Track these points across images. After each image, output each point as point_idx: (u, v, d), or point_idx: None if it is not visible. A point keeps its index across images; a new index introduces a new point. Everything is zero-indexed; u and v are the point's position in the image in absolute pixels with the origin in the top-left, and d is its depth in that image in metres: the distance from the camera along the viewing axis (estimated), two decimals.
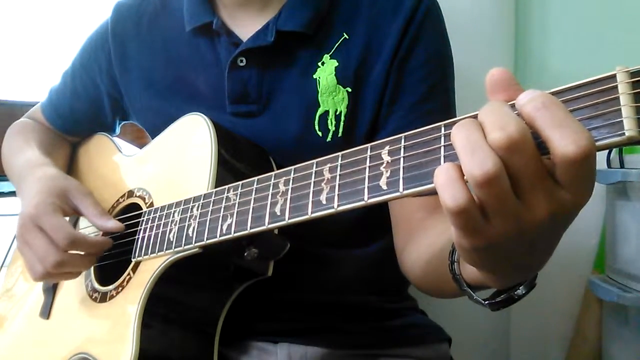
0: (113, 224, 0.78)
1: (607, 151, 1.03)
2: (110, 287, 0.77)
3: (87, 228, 0.86)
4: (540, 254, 0.44)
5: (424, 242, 0.70)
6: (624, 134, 0.36)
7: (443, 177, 0.40)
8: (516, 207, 0.39)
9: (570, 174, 0.37)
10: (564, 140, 0.36)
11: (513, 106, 0.40)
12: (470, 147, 0.38)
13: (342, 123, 0.79)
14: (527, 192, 0.38)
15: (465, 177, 0.39)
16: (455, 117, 0.44)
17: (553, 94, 0.39)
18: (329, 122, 0.79)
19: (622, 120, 0.36)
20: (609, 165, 1.05)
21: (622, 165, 1.03)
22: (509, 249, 0.42)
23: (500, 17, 1.30)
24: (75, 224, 0.89)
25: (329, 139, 0.79)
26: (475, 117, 0.41)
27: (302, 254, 0.75)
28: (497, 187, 0.38)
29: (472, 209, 0.39)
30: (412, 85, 0.79)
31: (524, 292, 0.49)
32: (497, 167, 0.37)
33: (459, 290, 0.53)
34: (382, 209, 0.82)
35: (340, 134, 0.79)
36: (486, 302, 0.51)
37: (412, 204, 0.76)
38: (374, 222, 0.84)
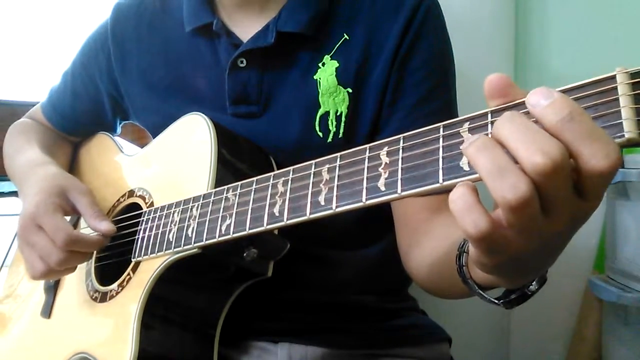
0: (105, 226, 0.77)
1: None
2: (111, 287, 0.77)
3: (87, 228, 0.86)
4: (554, 255, 0.44)
5: (429, 246, 0.69)
6: (623, 135, 0.36)
7: (460, 203, 0.38)
8: (543, 224, 0.38)
9: (595, 186, 0.36)
10: (595, 155, 0.35)
11: (509, 109, 0.40)
12: (499, 170, 0.36)
13: (342, 124, 0.79)
14: (554, 209, 0.37)
15: (495, 202, 0.38)
16: (457, 117, 0.44)
17: None
18: (329, 123, 0.79)
19: (621, 122, 0.36)
20: None
21: (622, 165, 1.02)
22: (529, 259, 0.42)
23: (500, 17, 1.30)
24: (75, 223, 0.89)
25: (329, 139, 0.79)
26: (471, 119, 0.41)
27: (302, 254, 0.75)
28: (530, 209, 0.36)
29: (495, 233, 0.38)
30: (413, 86, 0.79)
31: (536, 287, 0.48)
32: (531, 189, 0.36)
33: (468, 292, 0.52)
34: (382, 209, 0.82)
35: (341, 135, 0.79)
36: (500, 302, 0.50)
37: (415, 204, 0.76)
38: (375, 222, 0.84)
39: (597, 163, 0.35)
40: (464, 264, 0.52)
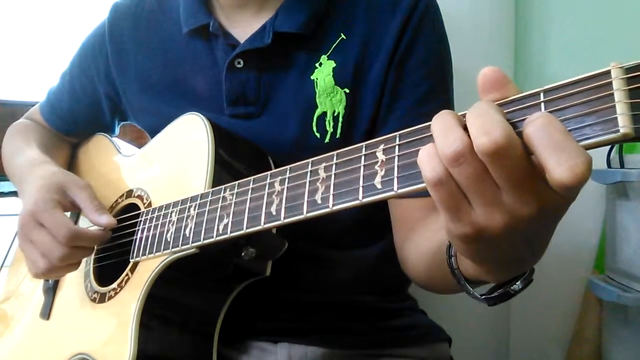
0: (106, 219, 0.78)
1: (607, 151, 1.03)
2: (109, 287, 0.77)
3: (91, 226, 0.86)
4: (535, 248, 0.45)
5: (423, 239, 0.70)
6: (618, 131, 0.36)
7: (423, 154, 0.41)
8: (499, 197, 0.39)
9: (563, 192, 0.37)
10: (560, 166, 0.35)
11: (503, 105, 0.40)
12: (443, 131, 0.40)
13: (340, 124, 0.79)
14: (515, 188, 0.38)
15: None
16: None
17: (546, 90, 0.39)
18: (327, 123, 0.79)
19: (616, 117, 0.36)
20: (609, 165, 1.05)
21: (622, 165, 1.02)
22: (501, 242, 0.42)
23: (500, 18, 1.30)
24: (75, 221, 0.88)
25: (327, 140, 0.79)
26: (463, 116, 0.41)
27: (302, 254, 0.75)
28: (468, 167, 0.39)
29: (451, 182, 0.40)
30: (410, 86, 0.79)
31: (520, 287, 0.49)
32: (464, 145, 0.38)
33: (457, 285, 0.53)
34: (382, 209, 0.82)
35: (338, 135, 0.79)
36: (482, 297, 0.51)
37: (412, 204, 0.76)
38: (374, 222, 0.84)
39: (561, 174, 0.35)
40: (452, 254, 0.53)
